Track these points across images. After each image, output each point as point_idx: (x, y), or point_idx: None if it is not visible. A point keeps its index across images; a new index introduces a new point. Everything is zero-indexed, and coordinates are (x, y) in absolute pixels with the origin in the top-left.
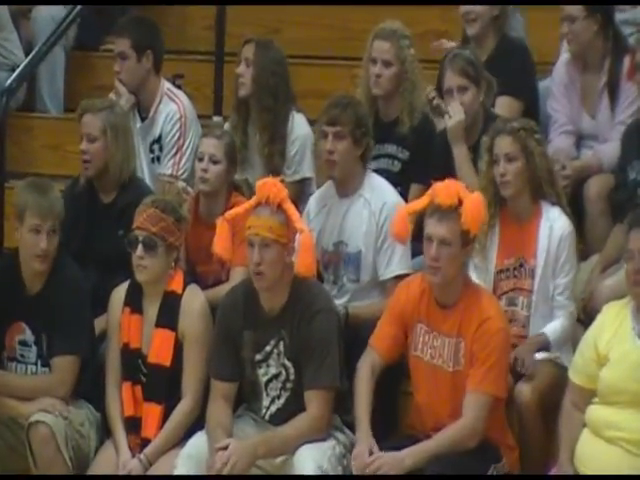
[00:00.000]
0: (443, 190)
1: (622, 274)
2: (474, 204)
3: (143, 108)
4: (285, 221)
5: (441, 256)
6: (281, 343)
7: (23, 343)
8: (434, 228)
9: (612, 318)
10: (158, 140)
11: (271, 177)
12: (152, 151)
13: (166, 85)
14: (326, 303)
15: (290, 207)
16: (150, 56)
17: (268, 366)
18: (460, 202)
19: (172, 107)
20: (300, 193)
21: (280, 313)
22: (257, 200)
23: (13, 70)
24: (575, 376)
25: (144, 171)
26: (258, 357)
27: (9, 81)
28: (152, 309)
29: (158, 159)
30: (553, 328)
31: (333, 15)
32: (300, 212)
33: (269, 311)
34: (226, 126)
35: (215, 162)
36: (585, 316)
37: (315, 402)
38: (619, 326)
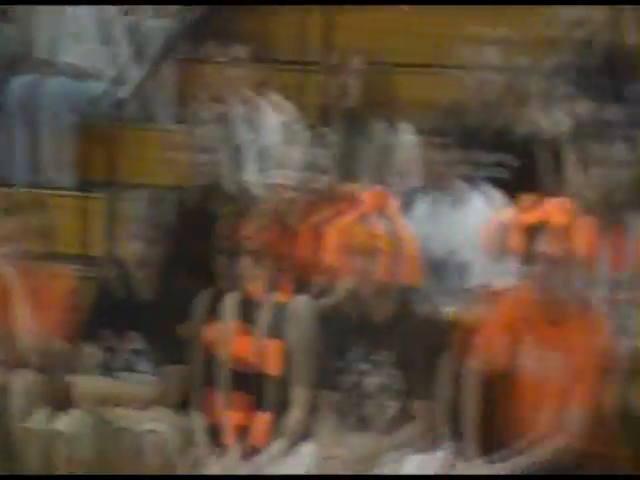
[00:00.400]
0: (555, 208)
1: None
2: (583, 226)
3: (250, 118)
4: (391, 230)
5: (550, 274)
6: (389, 353)
7: (135, 352)
8: (543, 245)
9: None
10: (266, 149)
11: (378, 187)
12: (260, 160)
13: (273, 95)
14: (432, 312)
15: (396, 216)
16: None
17: (377, 375)
18: (571, 222)
19: (279, 117)
20: (407, 203)
21: (388, 322)
22: (364, 209)
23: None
24: None
25: (253, 180)
26: (366, 367)
27: (121, 92)
28: (262, 319)
29: (266, 168)
30: None
31: (435, 22)
32: (407, 221)
33: (377, 320)
34: (331, 136)
35: (322, 172)
36: None
37: (422, 412)
38: None
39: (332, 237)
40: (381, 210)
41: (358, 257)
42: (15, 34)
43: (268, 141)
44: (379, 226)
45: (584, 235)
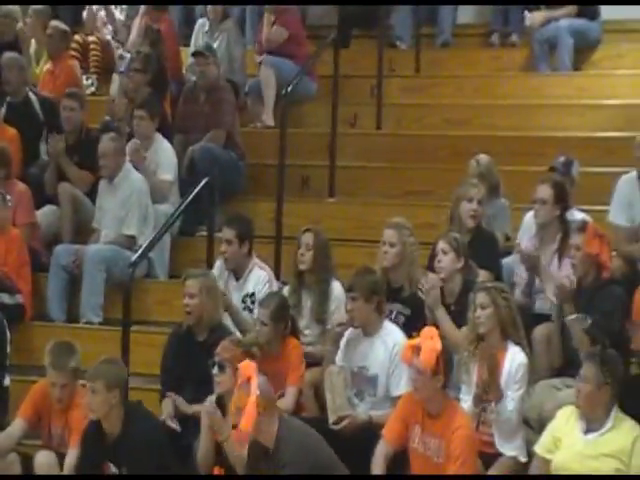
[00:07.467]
0: (422, 333)
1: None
2: (427, 349)
3: (237, 272)
4: (247, 392)
5: (417, 382)
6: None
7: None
8: (413, 360)
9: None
10: (251, 295)
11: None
12: (244, 302)
13: (255, 259)
14: (293, 455)
15: (253, 382)
16: (247, 243)
17: None
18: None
19: (262, 273)
20: (338, 336)
21: (274, 450)
22: (241, 378)
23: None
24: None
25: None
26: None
27: (134, 257)
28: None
29: (250, 309)
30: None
31: (357, 211)
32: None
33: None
34: (285, 289)
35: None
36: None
37: None
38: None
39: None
40: (246, 377)
41: (236, 413)
42: None
43: (252, 289)
44: (245, 390)
45: (425, 358)
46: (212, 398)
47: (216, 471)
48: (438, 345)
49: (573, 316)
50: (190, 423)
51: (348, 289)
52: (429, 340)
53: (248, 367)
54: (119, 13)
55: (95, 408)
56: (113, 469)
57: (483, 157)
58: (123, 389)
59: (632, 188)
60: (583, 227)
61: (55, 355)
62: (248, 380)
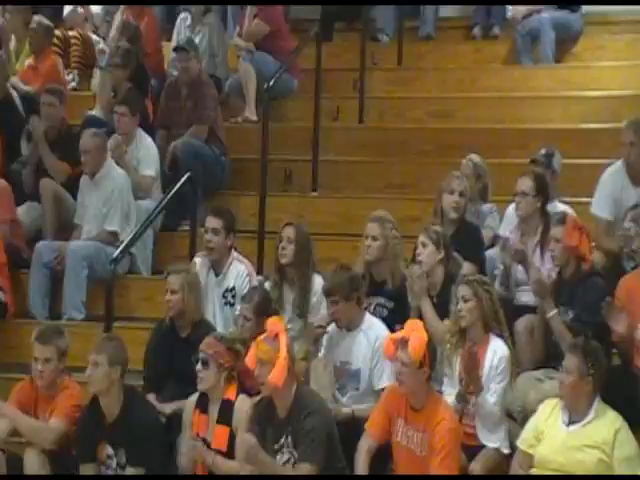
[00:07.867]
0: (407, 325)
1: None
2: (416, 340)
3: (217, 267)
4: (275, 347)
5: (403, 374)
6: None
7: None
8: (397, 353)
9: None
10: (231, 290)
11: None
12: (225, 297)
13: (234, 253)
14: (316, 405)
15: (282, 337)
16: (232, 236)
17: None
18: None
19: (242, 267)
20: (319, 335)
21: (292, 407)
22: (267, 332)
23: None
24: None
25: (216, 313)
26: (276, 446)
27: (115, 253)
28: (214, 410)
29: (231, 304)
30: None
31: (340, 205)
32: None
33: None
34: (267, 283)
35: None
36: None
37: None
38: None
39: (251, 352)
40: (274, 333)
41: (259, 366)
42: None
43: (232, 284)
44: (271, 344)
45: (414, 349)
46: (193, 399)
47: (199, 469)
48: (425, 337)
49: (554, 312)
50: (173, 419)
51: (327, 294)
52: (416, 332)
53: (276, 323)
54: (97, 7)
55: (96, 380)
56: (110, 450)
57: (474, 156)
58: (124, 369)
59: (618, 179)
60: (562, 219)
61: (41, 332)
62: (276, 336)
